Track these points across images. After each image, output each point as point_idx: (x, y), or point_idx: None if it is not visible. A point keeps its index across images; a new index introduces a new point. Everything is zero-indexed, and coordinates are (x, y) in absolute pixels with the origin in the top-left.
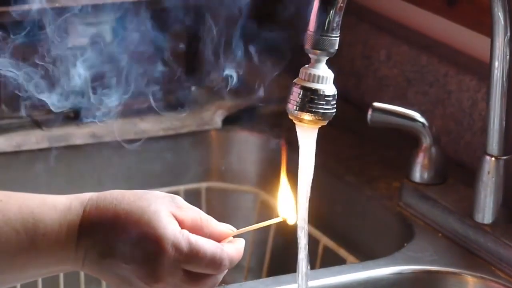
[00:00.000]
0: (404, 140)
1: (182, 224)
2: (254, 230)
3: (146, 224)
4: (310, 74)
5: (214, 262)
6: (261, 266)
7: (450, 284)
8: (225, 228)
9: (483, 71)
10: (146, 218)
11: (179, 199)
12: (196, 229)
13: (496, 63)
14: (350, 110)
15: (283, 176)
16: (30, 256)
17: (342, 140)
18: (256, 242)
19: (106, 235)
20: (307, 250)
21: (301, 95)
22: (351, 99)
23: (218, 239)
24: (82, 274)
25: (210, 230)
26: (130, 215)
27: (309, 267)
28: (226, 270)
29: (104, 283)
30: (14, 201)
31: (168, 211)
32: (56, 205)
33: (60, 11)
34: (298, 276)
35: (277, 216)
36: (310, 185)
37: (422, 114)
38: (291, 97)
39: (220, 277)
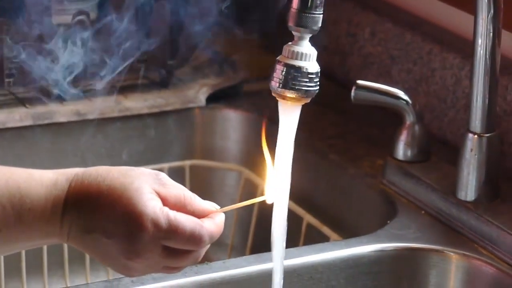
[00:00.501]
0: (388, 118)
1: (165, 201)
2: (238, 208)
3: (127, 201)
4: (293, 51)
5: (194, 238)
6: (244, 244)
7: (433, 261)
8: (208, 206)
9: (467, 49)
10: (128, 195)
11: (164, 176)
12: (179, 206)
13: (480, 41)
14: (334, 88)
15: (266, 153)
16: (16, 230)
17: (326, 118)
18: (240, 219)
19: (89, 211)
20: (285, 228)
21: (284, 72)
22: (335, 77)
23: (201, 216)
24: (66, 251)
25: (193, 208)
26: (113, 191)
27: (284, 244)
28: (208, 246)
29: (87, 260)
30: (1, 176)
31: (150, 188)
32: (42, 180)
33: None
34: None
35: (262, 194)
36: (291, 162)
37: (406, 91)
38: (274, 74)
39: (202, 252)
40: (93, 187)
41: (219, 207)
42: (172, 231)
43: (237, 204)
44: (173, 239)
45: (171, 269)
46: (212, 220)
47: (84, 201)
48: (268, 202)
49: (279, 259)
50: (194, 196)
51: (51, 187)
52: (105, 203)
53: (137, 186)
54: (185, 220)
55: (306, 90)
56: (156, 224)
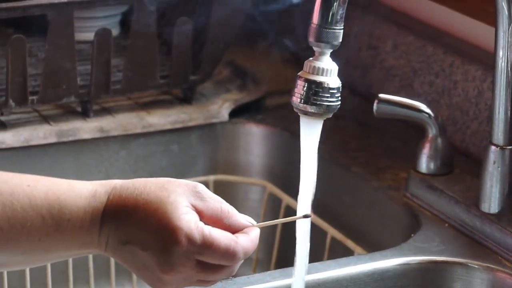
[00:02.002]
0: (410, 130)
1: (201, 214)
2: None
3: (162, 215)
4: (314, 67)
5: (228, 254)
6: (269, 258)
7: (457, 274)
8: (244, 221)
9: (488, 61)
10: (163, 209)
11: (202, 189)
12: (215, 220)
13: (501, 53)
14: (356, 101)
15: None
16: (54, 240)
17: (348, 131)
18: (265, 234)
19: (125, 223)
20: (308, 244)
21: (305, 88)
22: (357, 90)
23: (237, 230)
24: (91, 266)
25: (230, 222)
26: (149, 205)
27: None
28: (242, 261)
29: (112, 275)
30: (41, 187)
31: (187, 202)
32: (82, 192)
33: (66, 6)
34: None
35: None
36: (315, 177)
37: (428, 104)
38: (296, 90)
39: (236, 267)
40: (130, 200)
41: (255, 222)
42: (207, 246)
43: (274, 221)
44: (207, 254)
45: (205, 282)
46: (247, 236)
47: (121, 213)
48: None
49: (301, 274)
50: (232, 209)
51: (90, 198)
52: (141, 216)
53: (173, 200)
54: (220, 236)
55: (328, 106)
56: (190, 239)
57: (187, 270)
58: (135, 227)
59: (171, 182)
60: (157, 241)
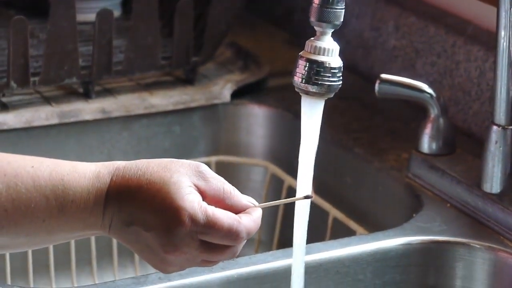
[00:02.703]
0: (412, 111)
1: (204, 195)
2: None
3: (165, 195)
4: (315, 46)
5: (231, 234)
6: (271, 239)
7: (459, 254)
8: (246, 201)
9: (490, 41)
10: (166, 189)
11: (204, 169)
12: (217, 200)
13: (503, 33)
14: (358, 82)
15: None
16: (58, 221)
17: (350, 112)
18: (267, 215)
19: (129, 204)
20: (306, 224)
21: (306, 67)
22: (359, 71)
23: (239, 210)
24: (93, 248)
25: (232, 202)
26: (152, 185)
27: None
28: (245, 241)
29: (115, 257)
30: (45, 168)
31: (190, 182)
32: (85, 173)
33: None
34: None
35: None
36: (314, 157)
37: (431, 84)
38: (297, 69)
39: (239, 247)
40: (133, 181)
41: (257, 202)
42: (210, 226)
43: (276, 201)
44: (210, 234)
45: (209, 263)
46: (249, 216)
47: (124, 194)
48: (311, 198)
49: (300, 255)
50: (234, 189)
51: (93, 179)
52: (144, 197)
53: (175, 180)
54: (223, 216)
55: (329, 85)
56: (193, 219)
57: (191, 250)
58: (138, 207)
59: (173, 162)
60: (161, 222)
